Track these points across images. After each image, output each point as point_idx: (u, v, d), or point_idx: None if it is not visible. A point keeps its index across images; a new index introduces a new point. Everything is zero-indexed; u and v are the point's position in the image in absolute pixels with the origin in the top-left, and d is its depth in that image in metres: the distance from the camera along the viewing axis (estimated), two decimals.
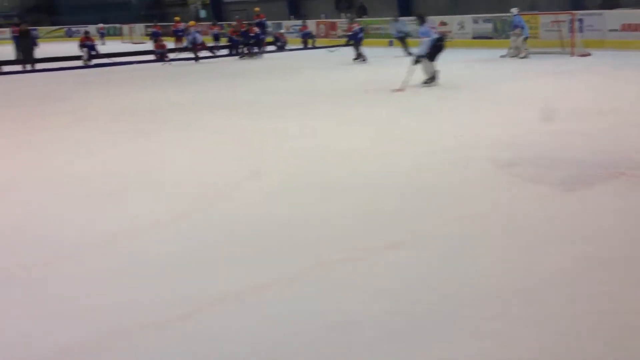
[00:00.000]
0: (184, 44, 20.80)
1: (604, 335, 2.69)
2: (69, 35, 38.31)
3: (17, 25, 20.63)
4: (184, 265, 3.65)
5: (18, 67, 18.28)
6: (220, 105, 10.44)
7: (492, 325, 2.80)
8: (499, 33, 19.44)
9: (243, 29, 21.24)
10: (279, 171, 5.78)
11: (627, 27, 16.45)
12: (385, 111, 8.95)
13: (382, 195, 4.91)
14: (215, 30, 26.01)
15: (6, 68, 17.97)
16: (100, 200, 5.04)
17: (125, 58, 20.63)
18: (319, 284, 3.31)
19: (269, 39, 23.59)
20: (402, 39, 18.54)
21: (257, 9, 23.84)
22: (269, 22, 24.57)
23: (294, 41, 24.91)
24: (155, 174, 5.89)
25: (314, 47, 23.93)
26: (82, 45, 19.92)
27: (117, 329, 2.89)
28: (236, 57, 20.81)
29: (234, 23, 22.92)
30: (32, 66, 18.34)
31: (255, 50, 20.80)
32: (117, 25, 38.36)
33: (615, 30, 16.63)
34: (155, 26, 25.53)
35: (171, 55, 20.27)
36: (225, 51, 22.25)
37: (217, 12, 36.03)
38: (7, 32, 25.78)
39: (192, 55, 19.63)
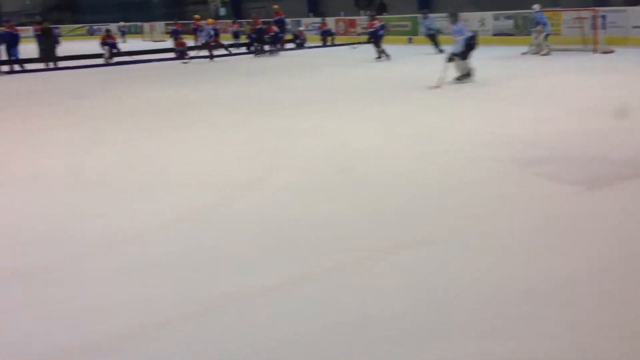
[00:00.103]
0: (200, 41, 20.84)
1: (631, 336, 2.65)
2: (91, 33, 38.70)
3: (39, 23, 20.88)
4: (193, 264, 3.64)
5: (41, 65, 18.50)
6: (238, 103, 10.47)
7: (510, 325, 2.77)
8: (520, 30, 19.23)
9: (258, 26, 21.21)
10: (292, 169, 5.78)
11: None
12: (404, 109, 8.90)
13: (402, 193, 4.88)
14: (235, 27, 26.10)
15: (29, 66, 18.20)
16: (117, 198, 5.08)
17: (145, 56, 20.79)
18: (330, 283, 3.30)
19: (288, 36, 23.61)
20: (432, 36, 18.21)
21: (275, 6, 23.86)
22: (288, 20, 24.59)
23: (313, 39, 24.90)
24: (170, 171, 5.91)
25: (333, 45, 23.89)
26: (103, 44, 20.12)
27: (125, 328, 2.90)
28: (261, 55, 20.76)
29: (254, 19, 22.94)
30: (55, 64, 18.55)
31: (271, 47, 20.73)
32: (138, 24, 38.64)
33: (639, 27, 16.35)
34: (175, 24, 25.74)
35: (191, 53, 20.36)
36: (243, 49, 22.29)
37: (237, 10, 36.13)
38: (30, 30, 26.09)
39: (217, 52, 19.62)
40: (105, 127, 8.51)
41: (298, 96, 10.84)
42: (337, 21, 27.00)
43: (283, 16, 22.96)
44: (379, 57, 16.60)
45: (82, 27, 40.76)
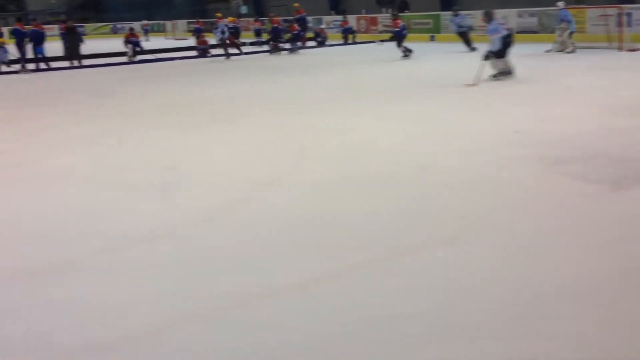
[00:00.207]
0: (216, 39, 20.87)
1: None
2: (114, 32, 39.11)
3: (64, 22, 21.15)
4: (217, 261, 3.65)
5: (66, 63, 18.75)
6: (259, 100, 10.50)
7: (532, 326, 2.75)
8: (544, 27, 19.03)
9: (274, 25, 21.21)
10: (319, 166, 5.78)
11: None
12: (428, 107, 8.86)
13: (426, 191, 4.87)
14: (257, 25, 26.19)
15: (54, 64, 18.45)
16: (138, 195, 5.12)
17: (168, 54, 20.97)
18: (361, 280, 3.31)
19: (309, 34, 23.64)
20: (464, 34, 17.81)
21: (296, 4, 23.88)
22: (309, 18, 24.60)
23: (335, 36, 24.89)
24: (192, 169, 5.94)
25: (354, 43, 23.86)
26: (126, 42, 20.32)
27: (153, 322, 2.93)
28: (276, 53, 20.83)
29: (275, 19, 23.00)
30: (79, 62, 18.79)
31: (292, 46, 20.73)
32: (161, 22, 38.98)
33: None
34: (197, 22, 25.91)
35: (213, 51, 20.47)
36: (266, 47, 22.34)
37: (259, 8, 36.24)
38: (55, 29, 26.45)
39: (232, 50, 19.70)
40: (127, 125, 8.60)
41: (319, 94, 10.85)
42: (358, 19, 26.96)
43: (304, 14, 22.97)
44: (406, 56, 16.46)
45: (106, 25, 41.21)
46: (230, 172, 5.69)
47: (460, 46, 17.78)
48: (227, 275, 3.44)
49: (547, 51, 15.67)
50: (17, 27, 18.77)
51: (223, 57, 19.09)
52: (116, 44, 22.85)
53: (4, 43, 18.12)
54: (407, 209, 4.44)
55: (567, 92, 9.53)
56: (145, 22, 36.19)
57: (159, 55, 20.57)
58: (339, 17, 27.44)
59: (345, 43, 23.97)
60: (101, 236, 4.14)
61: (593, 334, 2.67)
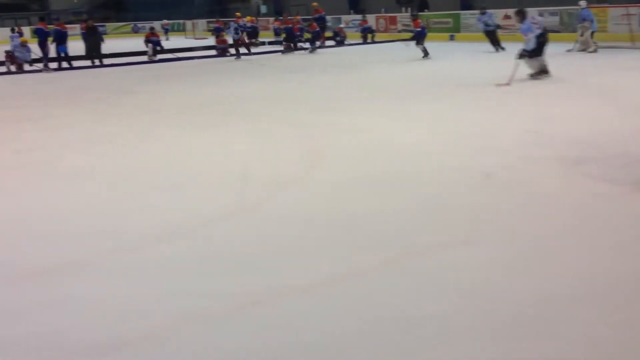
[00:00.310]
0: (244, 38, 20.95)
1: None
2: (135, 31, 39.45)
3: (85, 21, 21.39)
4: (235, 259, 3.68)
5: (87, 62, 18.96)
6: (278, 99, 10.54)
7: (556, 328, 2.74)
8: (566, 26, 18.83)
9: (288, 25, 21.21)
10: (335, 166, 5.79)
11: None
12: (448, 106, 8.81)
13: (444, 191, 4.84)
14: (276, 25, 26.25)
15: (76, 63, 18.67)
16: (159, 193, 5.16)
17: (187, 53, 21.11)
18: (374, 280, 3.31)
19: (328, 33, 23.64)
20: (491, 32, 17.22)
21: (315, 4, 23.89)
22: (328, 17, 24.61)
23: (354, 36, 24.87)
24: (212, 167, 5.97)
25: (373, 42, 23.82)
26: (147, 41, 20.48)
27: (166, 321, 2.96)
28: (301, 52, 20.85)
29: (295, 18, 23.05)
30: (100, 61, 18.99)
31: (312, 46, 20.72)
32: (181, 21, 39.26)
33: None
34: (217, 22, 26.02)
35: (232, 51, 20.56)
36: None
37: (278, 8, 36.34)
38: (77, 28, 26.79)
39: (250, 50, 19.72)
40: (147, 123, 8.69)
41: (338, 93, 10.85)
42: (377, 18, 26.90)
43: (323, 13, 22.98)
44: (425, 56, 16.36)
45: (127, 25, 41.60)
46: (247, 171, 5.71)
47: (481, 46, 17.57)
48: (241, 274, 3.46)
49: (568, 51, 15.49)
50: (40, 26, 19.04)
51: (245, 56, 19.16)
52: (137, 43, 23.05)
53: (26, 42, 18.39)
54: (421, 208, 4.43)
55: (590, 92, 9.42)
56: (165, 21, 36.50)
57: (179, 54, 20.71)
58: (358, 17, 27.40)
59: (364, 42, 23.93)
60: (117, 235, 4.18)
61: (606, 336, 2.64)
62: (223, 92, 11.82)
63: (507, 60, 11.10)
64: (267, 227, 4.20)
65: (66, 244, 4.06)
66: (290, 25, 21.16)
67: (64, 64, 18.30)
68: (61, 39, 18.13)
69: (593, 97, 9.00)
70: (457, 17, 23.07)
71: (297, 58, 19.29)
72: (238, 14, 24.99)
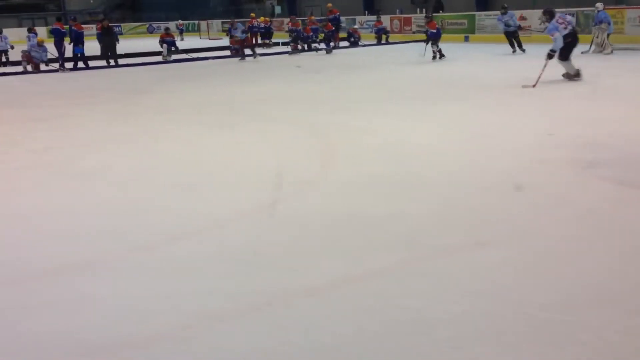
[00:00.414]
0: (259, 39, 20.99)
1: None
2: (150, 31, 39.71)
3: (100, 22, 21.54)
4: (250, 260, 3.67)
5: (103, 62, 19.09)
6: (292, 100, 10.54)
7: (572, 332, 2.71)
8: (582, 28, 18.66)
9: (296, 27, 21.18)
10: (349, 166, 5.77)
11: None
12: (462, 108, 8.77)
13: (461, 193, 4.81)
14: (289, 26, 26.23)
15: (92, 63, 18.80)
16: (172, 194, 5.17)
17: (202, 54, 21.19)
18: (390, 282, 3.29)
19: (342, 34, 23.63)
20: (512, 33, 16.79)
21: (329, 4, 23.88)
22: (342, 18, 24.60)
23: (368, 36, 24.84)
24: (226, 167, 5.98)
25: (388, 43, 23.78)
26: (162, 42, 20.58)
27: (184, 320, 2.96)
28: (316, 53, 20.83)
29: (309, 19, 23.07)
30: (115, 61, 19.11)
31: (323, 46, 20.66)
32: (195, 22, 39.45)
33: None
34: (231, 22, 26.08)
35: (247, 51, 20.61)
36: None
37: (292, 8, 36.40)
38: (93, 28, 27.00)
39: (265, 50, 19.74)
40: (163, 123, 8.73)
41: (352, 94, 10.84)
42: (392, 19, 26.85)
43: (338, 14, 22.97)
44: (441, 57, 16.25)
45: (143, 25, 41.87)
46: (262, 171, 5.71)
47: (497, 47, 17.46)
48: (255, 274, 3.46)
49: (584, 52, 15.33)
50: (57, 26, 19.19)
51: (241, 58, 19.18)
52: (152, 43, 23.18)
53: (43, 42, 18.56)
54: (437, 210, 4.40)
55: (607, 94, 9.34)
56: (180, 22, 36.67)
57: (194, 54, 20.80)
58: (373, 17, 27.36)
59: (379, 43, 23.90)
60: (130, 234, 4.19)
61: (620, 341, 2.61)
62: (237, 92, 11.85)
63: (523, 62, 11.05)
64: (281, 227, 4.20)
65: (78, 244, 4.08)
66: (299, 27, 21.15)
67: (80, 64, 18.44)
68: (77, 39, 18.27)
69: (609, 99, 8.92)
70: (472, 18, 22.97)
71: (312, 59, 19.28)
72: (252, 14, 25.09)
